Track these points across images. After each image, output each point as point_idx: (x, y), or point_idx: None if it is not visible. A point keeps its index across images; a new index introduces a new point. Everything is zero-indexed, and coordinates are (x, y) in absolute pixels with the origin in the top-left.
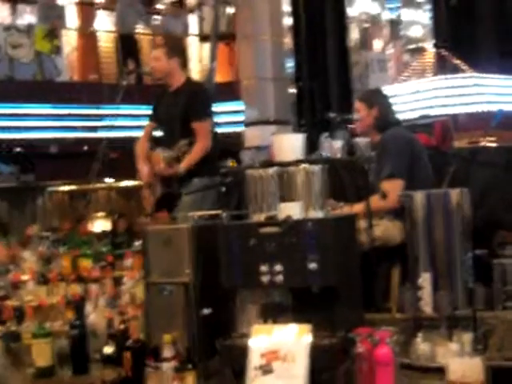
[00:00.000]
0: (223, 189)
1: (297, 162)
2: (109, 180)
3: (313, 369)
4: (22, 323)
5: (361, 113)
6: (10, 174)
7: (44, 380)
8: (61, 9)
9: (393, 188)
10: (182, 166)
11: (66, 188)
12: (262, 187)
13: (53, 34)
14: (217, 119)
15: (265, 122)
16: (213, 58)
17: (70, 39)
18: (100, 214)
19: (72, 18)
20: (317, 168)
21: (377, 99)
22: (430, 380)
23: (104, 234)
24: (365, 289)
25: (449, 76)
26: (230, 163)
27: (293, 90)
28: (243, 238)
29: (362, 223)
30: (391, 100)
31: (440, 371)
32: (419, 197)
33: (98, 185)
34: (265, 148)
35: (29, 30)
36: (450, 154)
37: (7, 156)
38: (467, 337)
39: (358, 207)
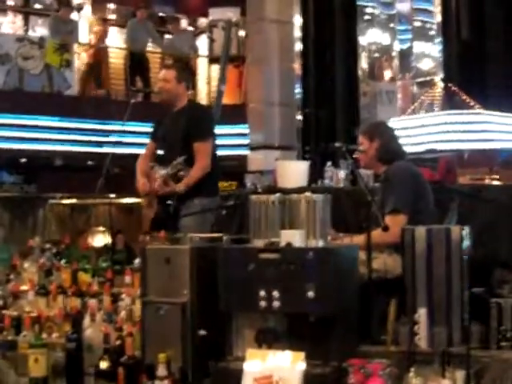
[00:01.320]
0: (224, 211)
1: (300, 190)
2: (110, 195)
3: None
4: (19, 333)
5: (363, 146)
6: (13, 183)
7: None
8: (73, 23)
9: (396, 223)
10: (182, 185)
11: (68, 201)
12: (264, 213)
13: (64, 47)
14: (220, 141)
15: (269, 146)
16: (222, 80)
17: (80, 53)
18: (100, 228)
19: (84, 34)
20: (320, 197)
21: (378, 132)
22: None
23: (103, 248)
24: (361, 320)
25: (456, 111)
26: (230, 185)
27: (299, 117)
28: (243, 262)
29: (362, 255)
30: (396, 132)
31: None
32: (420, 231)
33: (99, 200)
34: (268, 172)
35: (41, 42)
36: (453, 190)
37: (11, 166)
38: (460, 374)
39: (359, 239)
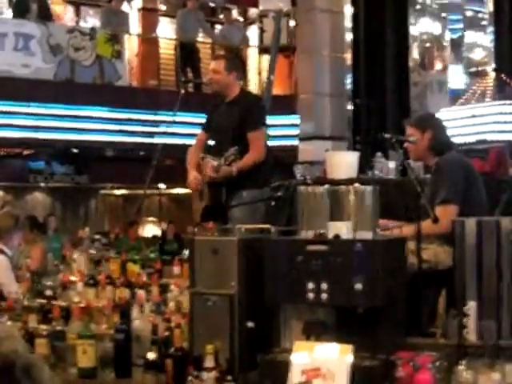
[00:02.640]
0: (273, 203)
1: (349, 181)
2: (161, 186)
3: None
4: (68, 323)
5: (414, 137)
6: (64, 174)
7: (86, 381)
8: (124, 15)
9: (446, 213)
10: (235, 168)
11: (119, 192)
12: (313, 204)
13: (115, 38)
14: (270, 132)
15: (320, 137)
16: (272, 70)
17: (131, 45)
18: (151, 218)
19: (134, 24)
20: (369, 189)
21: (430, 123)
22: None
23: (153, 239)
24: (410, 312)
25: (508, 102)
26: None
27: (349, 107)
28: (291, 254)
29: (411, 245)
30: (445, 124)
31: None
32: (470, 223)
33: (150, 190)
34: (318, 163)
35: (92, 33)
36: (503, 182)
37: (62, 157)
38: (510, 367)
39: (409, 229)
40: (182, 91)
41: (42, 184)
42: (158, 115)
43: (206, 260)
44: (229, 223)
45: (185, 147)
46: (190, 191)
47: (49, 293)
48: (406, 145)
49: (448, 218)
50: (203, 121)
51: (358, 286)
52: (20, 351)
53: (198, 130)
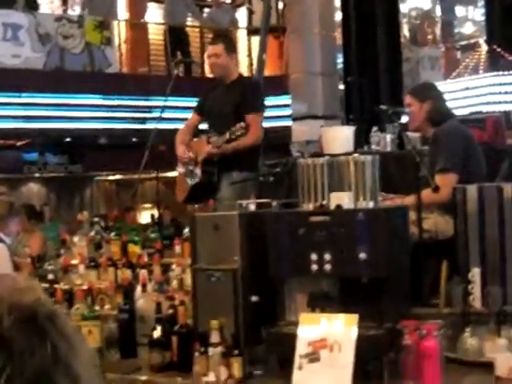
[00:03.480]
0: (271, 178)
1: (347, 154)
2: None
3: (359, 359)
4: (71, 306)
5: (412, 107)
6: (57, 164)
7: None
8: (111, 1)
9: (446, 182)
10: (230, 146)
11: (113, 178)
12: (313, 176)
13: (103, 25)
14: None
15: (313, 116)
16: (263, 51)
17: (120, 31)
18: (147, 205)
19: (122, 10)
20: (368, 158)
21: (429, 93)
22: (478, 375)
23: (150, 223)
24: (412, 282)
25: (501, 73)
26: None
27: (342, 86)
28: (293, 227)
29: (412, 216)
30: (455, 94)
31: (488, 366)
32: (472, 190)
33: (145, 175)
34: (314, 142)
35: (80, 20)
36: (502, 150)
37: (55, 146)
38: None
39: (409, 199)
40: (175, 72)
41: (37, 174)
42: (149, 101)
43: (208, 236)
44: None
45: (176, 132)
46: (179, 169)
47: (51, 277)
48: (405, 115)
49: (448, 187)
50: (194, 104)
51: (362, 256)
52: (43, 300)
53: (189, 114)
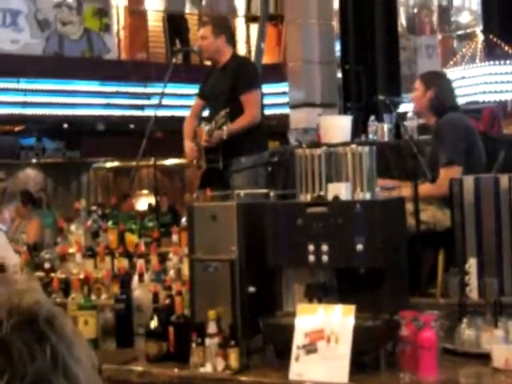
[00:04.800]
0: (270, 168)
1: (344, 145)
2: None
3: (356, 350)
4: (68, 295)
5: (417, 92)
6: (55, 149)
7: None
8: None
9: (451, 175)
10: (225, 132)
11: (111, 165)
12: (311, 167)
13: (102, 11)
14: (264, 100)
15: (311, 104)
16: (261, 38)
17: (119, 18)
18: (144, 191)
19: None
20: (366, 149)
21: (435, 81)
22: (475, 366)
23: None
24: (410, 272)
25: (497, 62)
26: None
27: (340, 74)
28: (290, 218)
29: (410, 207)
30: (453, 85)
31: (484, 357)
32: (468, 181)
33: (142, 163)
34: (311, 130)
35: (79, 7)
36: (498, 140)
37: (53, 132)
38: None
39: (407, 191)
40: (174, 60)
41: (34, 160)
42: (147, 87)
43: (205, 226)
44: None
45: (174, 119)
46: (184, 162)
47: (47, 265)
48: (411, 96)
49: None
50: (192, 91)
51: (359, 247)
52: (42, 302)
53: (187, 101)
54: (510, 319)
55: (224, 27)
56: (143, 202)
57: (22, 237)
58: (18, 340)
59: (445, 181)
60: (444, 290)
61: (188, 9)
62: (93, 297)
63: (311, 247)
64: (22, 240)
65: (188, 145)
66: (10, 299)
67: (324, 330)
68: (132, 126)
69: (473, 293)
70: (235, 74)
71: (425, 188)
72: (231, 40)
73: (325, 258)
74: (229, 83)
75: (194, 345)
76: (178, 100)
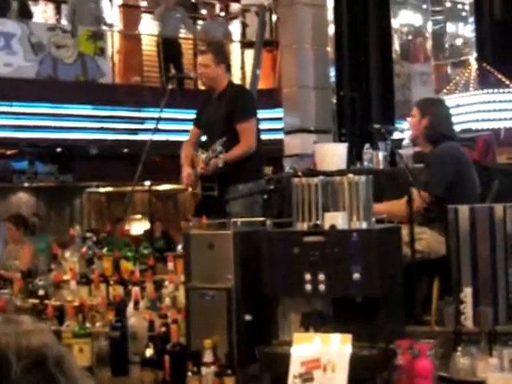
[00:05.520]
0: (265, 196)
1: (340, 172)
2: (147, 183)
3: (353, 379)
4: (62, 323)
5: (414, 118)
6: (48, 173)
7: None
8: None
9: (422, 196)
10: (221, 160)
11: (104, 189)
12: (307, 195)
13: (97, 35)
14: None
15: (305, 130)
16: (257, 65)
17: (113, 41)
18: (137, 216)
19: (116, 21)
20: (362, 178)
21: (431, 109)
22: None
23: (142, 236)
24: (405, 301)
25: (491, 90)
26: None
27: (334, 100)
28: (287, 246)
29: (405, 236)
30: (450, 112)
31: None
32: (463, 211)
33: (137, 187)
34: (307, 156)
35: (73, 30)
36: (492, 169)
37: (46, 156)
38: (507, 352)
39: (381, 206)
40: (170, 86)
41: (26, 184)
42: (141, 112)
43: (202, 254)
44: (227, 218)
45: (168, 143)
46: (180, 187)
47: (41, 292)
48: (408, 122)
49: (421, 202)
50: (186, 116)
51: (356, 276)
52: (50, 343)
53: (180, 126)
54: (505, 348)
55: (223, 56)
56: (137, 226)
57: (15, 263)
58: (28, 383)
59: (416, 200)
60: (439, 318)
61: (182, 33)
62: (87, 324)
63: (308, 276)
64: (15, 266)
65: (185, 170)
66: (18, 340)
67: (320, 358)
68: (125, 150)
69: (468, 321)
70: (231, 103)
71: (398, 203)
72: (229, 68)
73: (321, 287)
74: (225, 111)
75: (189, 373)
76: (172, 125)
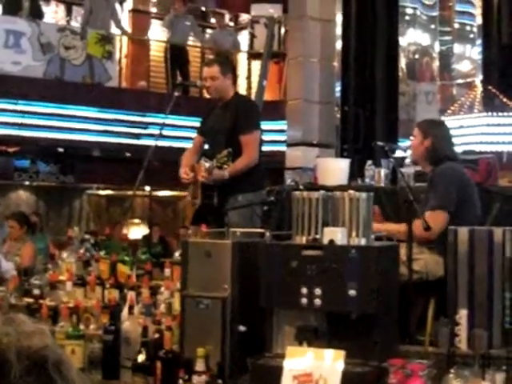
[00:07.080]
0: (265, 207)
1: (341, 188)
2: (147, 188)
3: None
4: (56, 323)
5: (415, 140)
6: (49, 173)
7: None
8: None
9: (435, 219)
10: (226, 172)
11: (104, 192)
12: (307, 209)
13: (106, 39)
14: (262, 137)
15: (308, 143)
16: (264, 76)
17: (121, 46)
18: (135, 220)
19: (125, 26)
20: (363, 195)
21: (433, 130)
22: None
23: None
24: (399, 320)
25: (495, 114)
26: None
27: (338, 115)
28: (285, 259)
29: (403, 255)
30: (450, 133)
31: None
32: (463, 232)
33: (137, 192)
34: (308, 170)
35: (82, 33)
36: (494, 192)
37: (48, 155)
38: (500, 377)
39: (397, 227)
40: (176, 93)
41: (27, 182)
42: (146, 117)
43: (199, 263)
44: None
45: (171, 150)
46: (180, 194)
47: (36, 292)
48: (409, 143)
49: (437, 224)
50: (191, 124)
51: (352, 292)
52: (50, 346)
53: (184, 133)
54: (498, 372)
55: (230, 66)
56: (135, 230)
57: (15, 259)
58: None
59: (432, 225)
60: (433, 338)
61: (191, 41)
62: (81, 326)
63: (304, 290)
64: (16, 263)
65: (182, 169)
66: (18, 341)
67: (313, 373)
68: (128, 154)
69: (462, 343)
70: (236, 114)
71: (415, 226)
72: (235, 78)
73: (317, 301)
74: (229, 122)
75: (180, 381)
76: (176, 131)
